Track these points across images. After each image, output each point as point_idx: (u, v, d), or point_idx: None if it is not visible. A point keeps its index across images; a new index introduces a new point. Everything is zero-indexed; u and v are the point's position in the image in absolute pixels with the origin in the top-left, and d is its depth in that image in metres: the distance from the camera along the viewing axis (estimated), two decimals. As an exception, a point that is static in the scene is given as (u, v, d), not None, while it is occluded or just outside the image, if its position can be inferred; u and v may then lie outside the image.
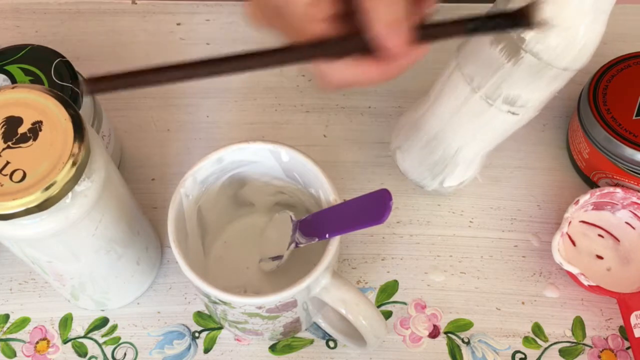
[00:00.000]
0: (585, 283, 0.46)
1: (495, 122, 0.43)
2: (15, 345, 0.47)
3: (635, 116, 0.49)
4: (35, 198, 0.34)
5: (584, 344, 0.47)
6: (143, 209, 0.48)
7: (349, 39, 0.33)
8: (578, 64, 0.39)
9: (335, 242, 0.39)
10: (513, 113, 0.42)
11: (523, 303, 0.49)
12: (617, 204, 0.50)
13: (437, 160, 0.47)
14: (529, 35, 0.38)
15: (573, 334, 0.48)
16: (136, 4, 0.62)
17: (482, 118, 0.43)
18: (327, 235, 0.39)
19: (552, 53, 0.38)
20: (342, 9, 0.33)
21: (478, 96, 0.42)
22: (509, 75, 0.40)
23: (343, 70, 0.34)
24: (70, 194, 0.36)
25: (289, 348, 0.47)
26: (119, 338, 0.48)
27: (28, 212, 0.34)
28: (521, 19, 0.34)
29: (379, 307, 0.49)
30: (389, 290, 0.49)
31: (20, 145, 0.35)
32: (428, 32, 0.33)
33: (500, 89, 0.41)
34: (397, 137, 0.50)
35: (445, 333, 0.48)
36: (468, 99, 0.43)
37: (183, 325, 0.48)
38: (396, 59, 0.33)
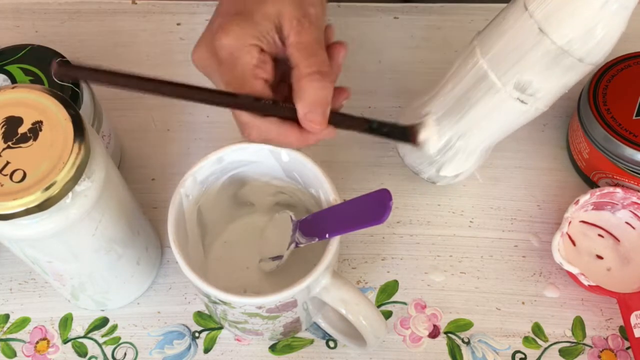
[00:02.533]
0: (585, 283, 0.46)
1: (503, 110, 0.43)
2: (15, 345, 0.47)
3: (635, 116, 0.49)
4: (35, 198, 0.34)
5: (584, 344, 0.47)
6: (143, 209, 0.48)
7: (281, 103, 0.39)
8: (595, 57, 0.39)
9: (335, 242, 0.39)
10: (522, 101, 0.42)
11: (523, 303, 0.49)
12: (617, 204, 0.50)
13: (438, 147, 0.47)
14: (549, 19, 0.38)
15: (573, 334, 0.48)
16: (136, 4, 0.62)
17: (489, 103, 0.43)
18: (327, 235, 0.39)
19: (570, 41, 0.38)
20: (279, 77, 0.40)
21: (490, 76, 0.42)
22: (522, 56, 0.40)
23: (268, 127, 0.39)
24: (70, 194, 0.36)
25: (289, 348, 0.47)
26: (119, 338, 0.48)
27: (28, 212, 0.34)
28: (406, 134, 0.45)
29: (379, 307, 0.49)
30: (389, 290, 0.49)
31: (21, 145, 0.35)
32: (337, 119, 0.41)
33: (513, 70, 0.41)
34: (399, 120, 0.50)
35: (445, 333, 0.48)
36: (479, 79, 0.42)
37: (183, 325, 0.48)
38: (313, 132, 0.39)
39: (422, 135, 0.45)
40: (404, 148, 0.49)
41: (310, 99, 0.38)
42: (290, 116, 0.39)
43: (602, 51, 0.39)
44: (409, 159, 0.49)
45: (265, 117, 0.39)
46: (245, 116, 0.39)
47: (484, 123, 0.44)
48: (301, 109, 0.38)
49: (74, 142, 0.35)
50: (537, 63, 0.40)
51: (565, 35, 0.38)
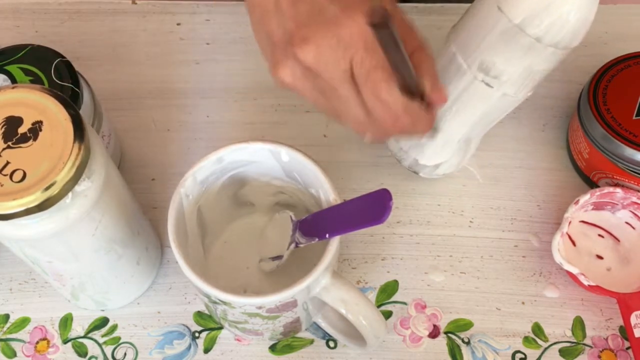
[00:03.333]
0: (585, 283, 0.46)
1: (470, 93, 0.43)
2: (15, 345, 0.47)
3: (635, 116, 0.49)
4: (35, 198, 0.34)
5: (584, 344, 0.47)
6: (143, 209, 0.48)
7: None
8: (553, 37, 0.38)
9: (335, 242, 0.39)
10: (487, 84, 0.42)
11: (523, 303, 0.49)
12: (617, 204, 0.50)
13: (431, 144, 0.47)
14: None
15: (573, 334, 0.48)
16: (136, 4, 0.62)
17: (458, 86, 0.43)
18: (327, 235, 0.39)
19: (525, 19, 0.38)
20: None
21: (457, 58, 0.42)
22: (484, 36, 0.40)
23: (416, 109, 0.37)
24: (70, 194, 0.36)
25: (289, 348, 0.47)
26: (119, 338, 0.48)
27: (28, 212, 0.34)
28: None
29: (379, 307, 0.49)
30: (389, 290, 0.49)
31: (21, 145, 0.35)
32: None
33: (477, 51, 0.41)
34: None
35: (445, 333, 0.48)
36: (449, 62, 0.43)
37: (183, 325, 0.48)
38: (437, 108, 0.39)
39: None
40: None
41: (432, 68, 0.36)
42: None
43: (564, 30, 0.38)
44: (391, 145, 0.50)
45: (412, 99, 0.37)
46: (403, 101, 0.36)
47: (455, 107, 0.44)
48: (429, 81, 0.37)
49: (74, 142, 0.35)
50: (497, 42, 0.40)
51: (521, 13, 0.38)
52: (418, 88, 0.38)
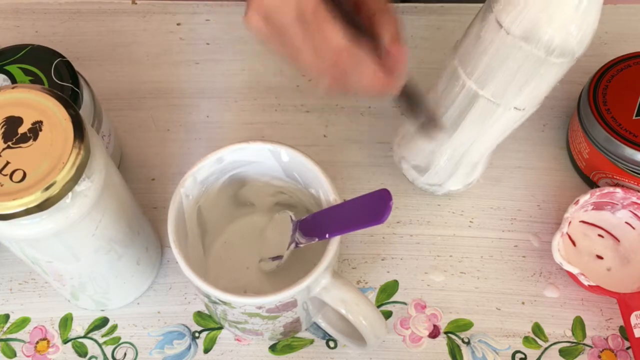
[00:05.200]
0: (585, 283, 0.46)
1: (502, 121, 0.43)
2: (15, 345, 0.47)
3: (635, 116, 0.49)
4: (35, 198, 0.34)
5: (584, 344, 0.47)
6: (143, 209, 0.48)
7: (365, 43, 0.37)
8: (560, 49, 0.38)
9: (335, 242, 0.39)
10: (518, 109, 0.41)
11: (523, 303, 0.49)
12: (617, 204, 0.50)
13: (444, 166, 0.47)
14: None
15: (573, 334, 0.48)
16: (136, 4, 0.62)
17: (488, 119, 0.42)
18: (327, 235, 0.39)
19: (525, 30, 0.37)
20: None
21: (484, 98, 0.41)
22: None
23: (360, 54, 0.37)
24: (70, 194, 0.36)
25: (289, 348, 0.47)
26: (119, 338, 0.48)
27: (28, 212, 0.34)
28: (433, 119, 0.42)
29: (379, 307, 0.49)
30: (389, 290, 0.49)
31: (20, 145, 0.35)
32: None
33: (480, 67, 0.40)
34: (400, 147, 0.50)
35: (445, 333, 0.48)
36: (473, 101, 0.42)
37: (183, 325, 0.48)
38: (396, 69, 0.38)
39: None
40: (411, 173, 0.50)
41: (395, 25, 0.37)
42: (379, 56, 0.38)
43: (568, 43, 0.38)
44: (420, 182, 0.50)
45: (359, 43, 0.37)
46: (344, 37, 0.37)
47: (485, 136, 0.44)
48: (388, 34, 0.38)
49: (74, 142, 0.35)
50: (500, 58, 0.39)
51: (522, 27, 0.37)
52: (380, 49, 0.38)
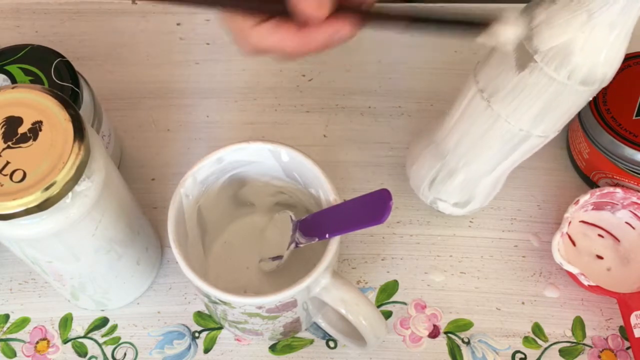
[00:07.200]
0: (585, 283, 0.46)
1: (524, 147, 0.42)
2: (15, 345, 0.47)
3: (635, 116, 0.49)
4: (35, 198, 0.34)
5: (584, 344, 0.47)
6: (143, 209, 0.48)
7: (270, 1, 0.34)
8: (585, 77, 0.36)
9: (335, 242, 0.39)
10: (542, 136, 0.41)
11: (523, 303, 0.49)
12: (617, 204, 0.50)
13: (462, 189, 0.47)
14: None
15: (573, 334, 0.48)
16: (136, 4, 0.62)
17: (510, 144, 0.41)
18: (327, 235, 0.39)
19: (547, 55, 0.36)
20: None
21: (510, 126, 0.40)
22: (511, 77, 0.38)
23: (262, 32, 0.34)
24: (70, 194, 0.36)
25: (289, 348, 0.47)
26: (119, 338, 0.48)
27: (28, 212, 0.34)
28: (473, 22, 0.34)
29: (379, 307, 0.49)
30: (389, 290, 0.49)
31: (20, 145, 0.35)
32: (364, 15, 0.34)
33: (504, 92, 0.39)
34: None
35: (445, 333, 0.48)
36: (495, 126, 0.41)
37: (183, 325, 0.48)
38: (312, 26, 0.33)
39: (498, 27, 0.33)
40: (428, 194, 0.48)
41: None
42: (286, 12, 0.34)
43: (595, 71, 0.36)
44: (441, 207, 0.49)
45: (260, 24, 0.34)
46: (239, 22, 0.35)
47: (506, 162, 0.44)
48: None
49: (74, 142, 0.35)
50: (526, 84, 0.38)
51: (548, 52, 0.36)
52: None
